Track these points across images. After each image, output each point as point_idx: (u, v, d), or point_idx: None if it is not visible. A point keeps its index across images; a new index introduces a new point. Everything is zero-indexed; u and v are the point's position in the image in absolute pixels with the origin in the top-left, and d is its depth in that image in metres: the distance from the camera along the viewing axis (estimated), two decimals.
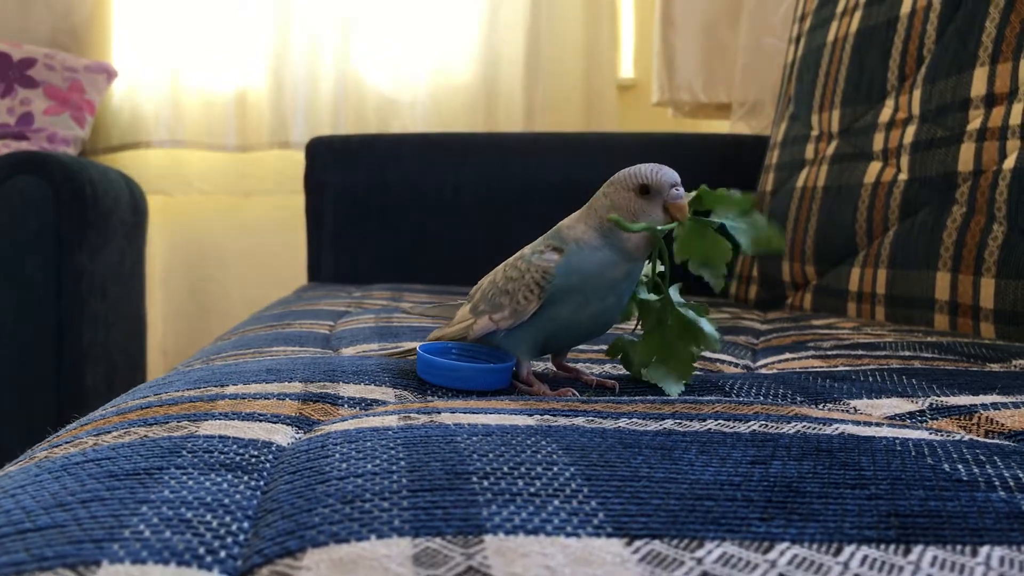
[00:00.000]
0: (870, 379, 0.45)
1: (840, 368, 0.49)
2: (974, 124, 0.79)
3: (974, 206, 0.76)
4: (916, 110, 0.87)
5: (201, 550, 0.21)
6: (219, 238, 1.84)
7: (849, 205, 0.93)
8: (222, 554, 0.21)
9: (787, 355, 0.57)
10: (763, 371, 0.51)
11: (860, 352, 0.56)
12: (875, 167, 0.92)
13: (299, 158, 1.56)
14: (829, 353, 0.57)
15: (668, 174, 0.42)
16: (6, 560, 0.20)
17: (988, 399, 0.39)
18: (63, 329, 1.28)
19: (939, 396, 0.40)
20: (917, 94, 0.88)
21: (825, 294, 0.97)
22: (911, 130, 0.87)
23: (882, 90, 0.94)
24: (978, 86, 0.79)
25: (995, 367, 0.51)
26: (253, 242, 1.83)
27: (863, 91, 0.97)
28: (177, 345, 1.83)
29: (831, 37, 1.05)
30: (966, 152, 0.78)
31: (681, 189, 0.42)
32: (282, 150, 1.76)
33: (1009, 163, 0.73)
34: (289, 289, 1.42)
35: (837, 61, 1.03)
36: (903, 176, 0.87)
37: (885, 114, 0.92)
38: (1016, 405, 0.37)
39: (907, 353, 0.56)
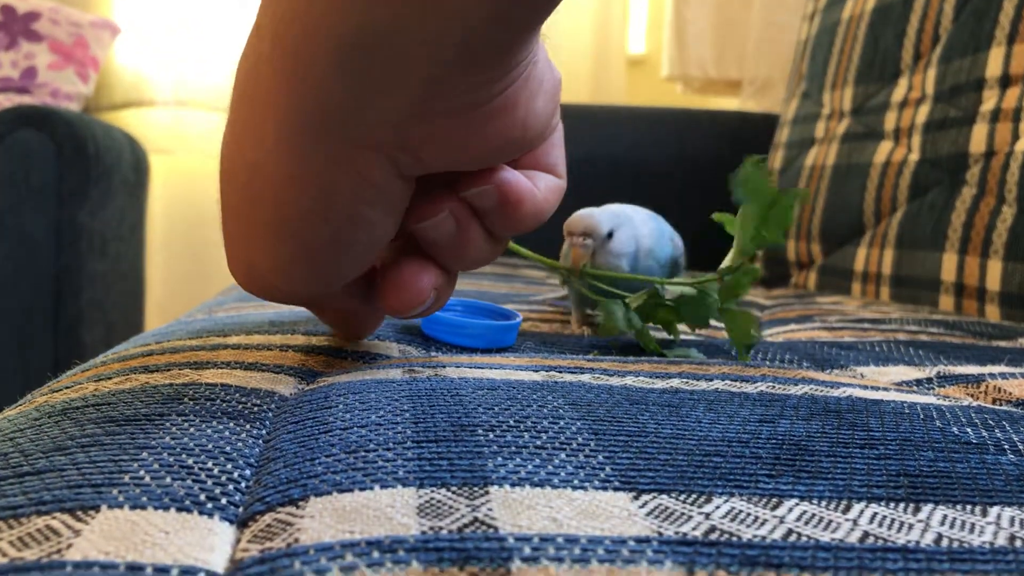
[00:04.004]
0: (876, 349, 0.45)
1: (846, 339, 0.49)
2: (988, 105, 0.78)
3: (984, 187, 0.75)
4: (930, 90, 0.87)
5: (202, 496, 0.21)
6: None
7: (858, 184, 0.93)
8: (223, 501, 0.21)
9: (792, 326, 0.57)
10: (769, 339, 0.51)
11: (866, 325, 0.56)
12: (886, 146, 0.91)
13: None
14: (835, 325, 0.56)
15: (576, 223, 0.45)
16: (3, 504, 0.20)
17: (996, 369, 0.39)
18: (62, 286, 1.28)
19: (946, 365, 0.40)
20: (931, 73, 0.87)
21: (830, 274, 0.96)
22: (924, 110, 0.87)
23: (896, 69, 0.93)
24: (993, 67, 0.79)
25: (1002, 343, 0.51)
26: None
27: (876, 70, 0.96)
28: (176, 307, 1.83)
29: (846, 14, 1.04)
30: (978, 133, 0.78)
31: (584, 240, 0.45)
32: None
33: (1021, 145, 0.73)
34: None
35: (851, 39, 1.02)
36: (914, 156, 0.86)
37: (898, 93, 0.92)
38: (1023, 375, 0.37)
39: (913, 328, 0.56)
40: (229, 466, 0.23)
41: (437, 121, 0.25)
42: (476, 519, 0.19)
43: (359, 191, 0.27)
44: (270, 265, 0.29)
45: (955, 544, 0.19)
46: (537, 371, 0.33)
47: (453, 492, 0.20)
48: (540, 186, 0.31)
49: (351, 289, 0.33)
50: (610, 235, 0.46)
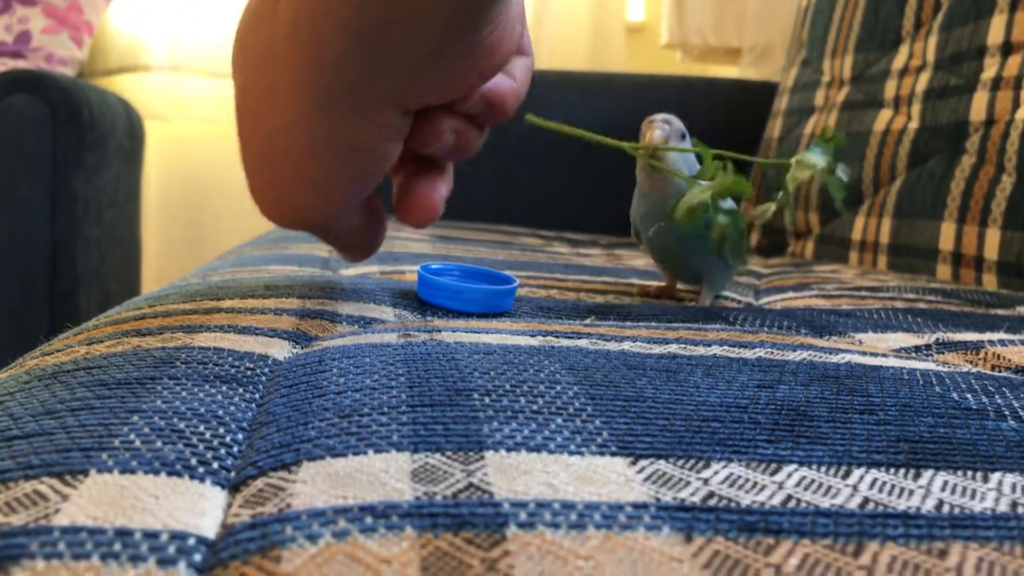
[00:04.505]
0: (875, 316, 0.45)
1: (844, 306, 0.49)
2: (988, 73, 0.77)
3: (984, 156, 0.75)
4: (930, 57, 0.86)
5: (193, 461, 0.21)
6: (217, 167, 1.82)
7: (857, 153, 0.92)
8: (215, 465, 0.21)
9: (790, 294, 0.57)
10: (766, 307, 0.51)
11: (864, 293, 0.56)
12: (886, 115, 0.90)
13: None
14: (832, 293, 0.56)
15: (657, 115, 0.47)
16: None
17: (995, 336, 0.39)
18: (57, 253, 1.27)
19: (945, 332, 0.40)
20: (932, 41, 0.86)
21: (828, 243, 0.96)
22: (924, 78, 0.86)
23: (897, 37, 0.92)
24: (995, 34, 0.78)
25: (1000, 311, 0.50)
26: None
27: (877, 37, 0.95)
28: (172, 272, 1.82)
29: None
30: (979, 101, 0.77)
31: (661, 126, 0.46)
32: None
33: (1022, 113, 0.72)
34: None
35: (852, 6, 1.01)
36: (913, 124, 0.86)
37: (899, 61, 0.91)
38: (1023, 342, 0.37)
39: (911, 295, 0.55)
40: (221, 430, 0.23)
41: (436, 77, 0.30)
42: (471, 484, 0.19)
43: (373, 133, 0.31)
44: (292, 202, 0.33)
45: (956, 510, 0.18)
46: (534, 336, 0.32)
47: (448, 457, 0.20)
48: (516, 73, 0.36)
49: (359, 210, 0.37)
50: (684, 136, 0.48)
